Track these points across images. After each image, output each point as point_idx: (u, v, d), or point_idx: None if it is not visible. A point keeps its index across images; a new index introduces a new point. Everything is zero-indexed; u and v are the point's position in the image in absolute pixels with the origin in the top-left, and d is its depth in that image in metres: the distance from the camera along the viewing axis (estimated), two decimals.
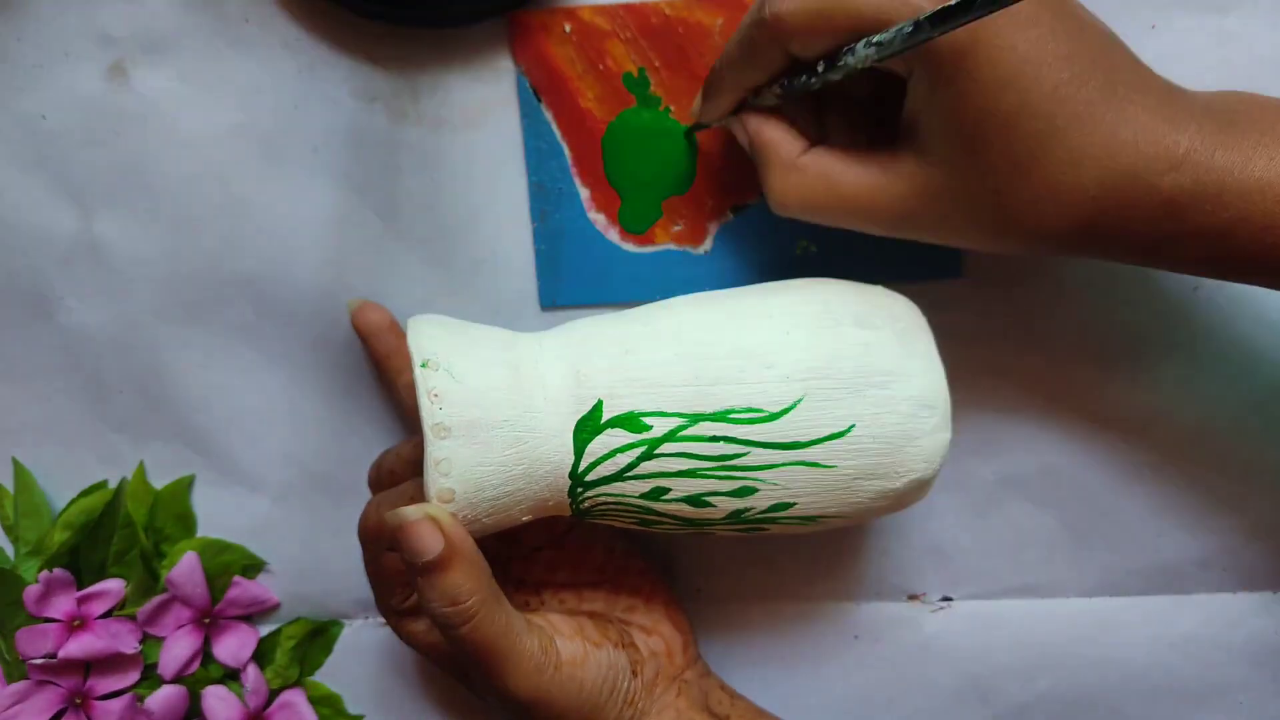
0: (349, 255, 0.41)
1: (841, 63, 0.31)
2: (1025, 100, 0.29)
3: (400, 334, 0.40)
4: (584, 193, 0.39)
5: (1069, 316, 0.40)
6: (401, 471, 0.38)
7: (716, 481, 0.33)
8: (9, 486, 0.44)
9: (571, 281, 0.40)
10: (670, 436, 0.32)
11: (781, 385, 0.32)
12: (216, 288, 0.41)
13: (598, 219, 0.40)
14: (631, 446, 0.32)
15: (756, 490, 0.33)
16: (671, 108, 0.38)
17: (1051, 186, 0.30)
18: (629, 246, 0.40)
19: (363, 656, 0.45)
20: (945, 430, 0.33)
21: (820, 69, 0.32)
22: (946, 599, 0.43)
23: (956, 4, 0.26)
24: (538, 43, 0.38)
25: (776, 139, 0.34)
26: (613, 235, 0.40)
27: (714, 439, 0.32)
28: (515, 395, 0.32)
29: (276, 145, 0.40)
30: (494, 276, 0.41)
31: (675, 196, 0.39)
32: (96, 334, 0.42)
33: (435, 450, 0.31)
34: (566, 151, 0.39)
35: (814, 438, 0.32)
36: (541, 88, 0.39)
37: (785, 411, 0.32)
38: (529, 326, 0.41)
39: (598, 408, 0.32)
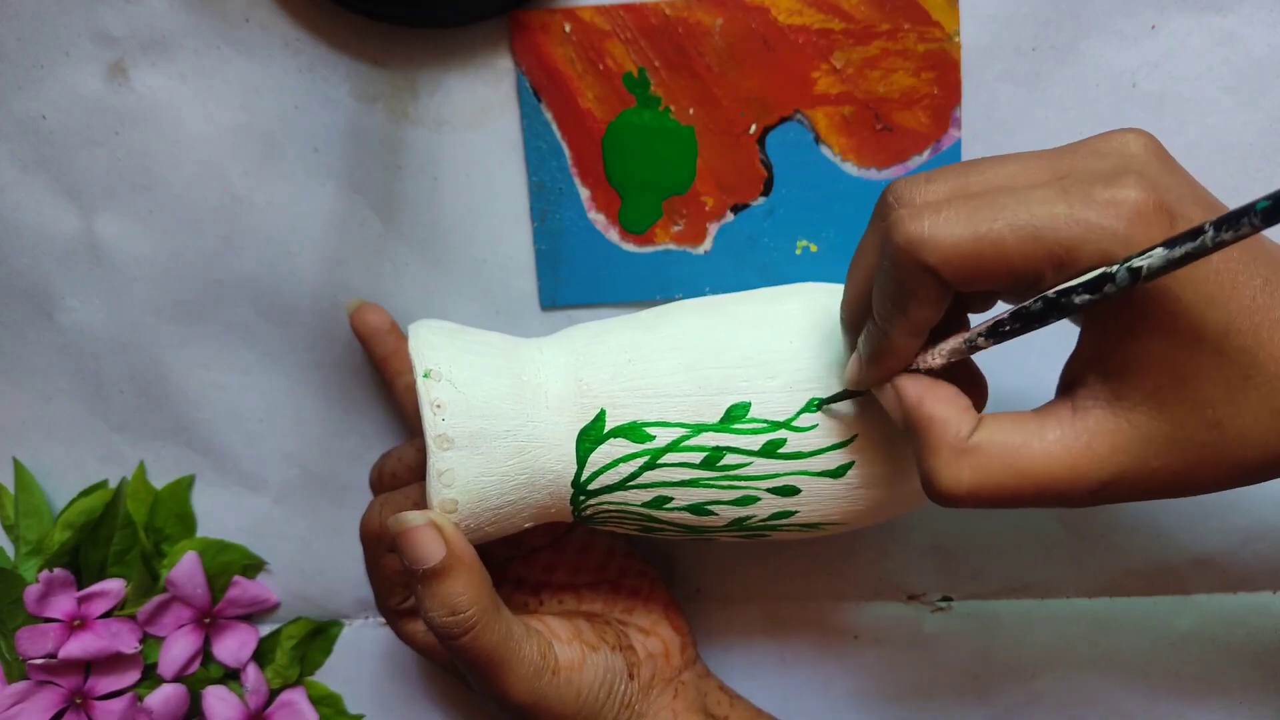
0: (349, 255, 0.41)
1: (1079, 297, 0.24)
2: (1230, 315, 0.25)
3: (399, 335, 0.40)
4: (584, 193, 0.39)
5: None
6: (403, 474, 0.38)
7: (719, 491, 0.32)
8: (9, 486, 0.44)
9: (571, 281, 0.40)
10: (673, 446, 0.32)
11: (785, 395, 0.32)
12: (216, 288, 0.41)
13: (598, 219, 0.40)
14: (634, 456, 0.32)
15: (759, 499, 0.33)
16: (671, 108, 0.38)
17: (1270, 402, 0.26)
18: (629, 246, 0.40)
19: (363, 656, 0.45)
20: None
21: (1056, 298, 0.24)
22: (946, 599, 0.43)
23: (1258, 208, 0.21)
24: (538, 43, 0.38)
25: (944, 416, 0.27)
26: (613, 235, 0.40)
27: (717, 449, 0.32)
28: (518, 405, 0.32)
29: (276, 145, 0.40)
30: (494, 276, 0.41)
31: (675, 196, 0.39)
32: (96, 334, 0.42)
33: (438, 461, 0.31)
34: (566, 151, 0.39)
35: (817, 448, 0.32)
36: (541, 88, 0.38)
37: (788, 421, 0.32)
38: (529, 327, 0.41)
39: (600, 417, 0.32)
